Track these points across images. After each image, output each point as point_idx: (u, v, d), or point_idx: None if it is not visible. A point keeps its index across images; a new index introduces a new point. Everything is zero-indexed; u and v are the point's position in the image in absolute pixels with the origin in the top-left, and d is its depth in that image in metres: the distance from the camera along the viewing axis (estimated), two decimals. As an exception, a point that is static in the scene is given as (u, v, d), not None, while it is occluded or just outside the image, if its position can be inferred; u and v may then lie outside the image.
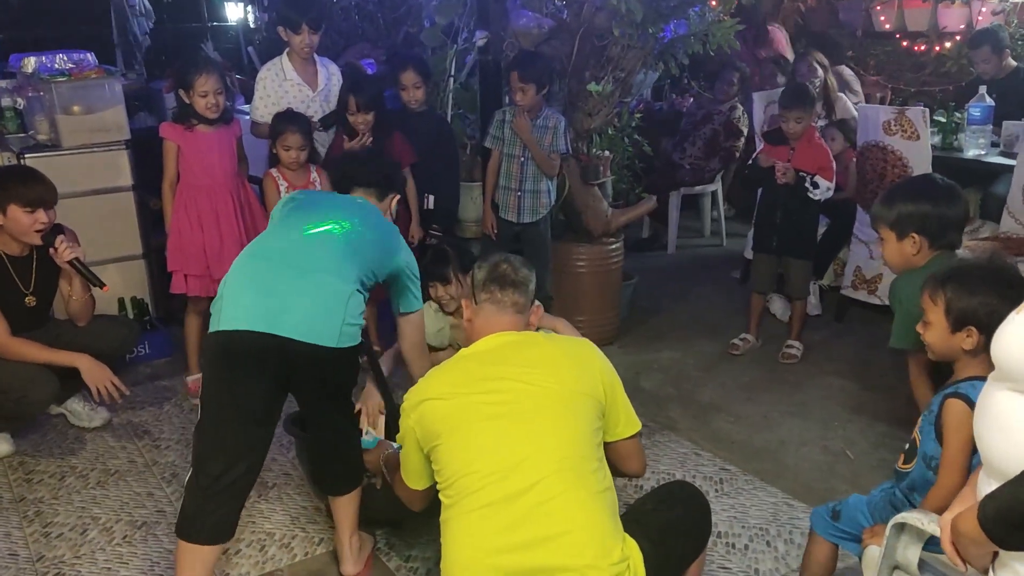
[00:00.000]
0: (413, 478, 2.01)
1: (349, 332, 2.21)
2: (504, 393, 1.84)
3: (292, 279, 2.18)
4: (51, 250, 3.08)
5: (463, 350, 2.02)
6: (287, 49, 3.78)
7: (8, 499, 2.98)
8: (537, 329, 2.11)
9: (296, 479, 3.05)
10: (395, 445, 2.38)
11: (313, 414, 2.40)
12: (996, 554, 1.36)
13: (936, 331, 1.89)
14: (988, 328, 1.78)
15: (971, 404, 1.75)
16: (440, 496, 1.87)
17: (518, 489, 1.75)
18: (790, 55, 5.81)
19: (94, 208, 3.95)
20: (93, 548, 2.71)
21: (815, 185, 3.73)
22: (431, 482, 1.94)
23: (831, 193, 3.80)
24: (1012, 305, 1.74)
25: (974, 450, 1.77)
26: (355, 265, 2.27)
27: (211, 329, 2.19)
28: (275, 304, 2.14)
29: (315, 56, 3.81)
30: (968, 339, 1.84)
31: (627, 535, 1.82)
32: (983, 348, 1.81)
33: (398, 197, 2.67)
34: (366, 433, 2.64)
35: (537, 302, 2.10)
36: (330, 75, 3.86)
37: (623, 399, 1.99)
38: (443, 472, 1.84)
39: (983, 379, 1.77)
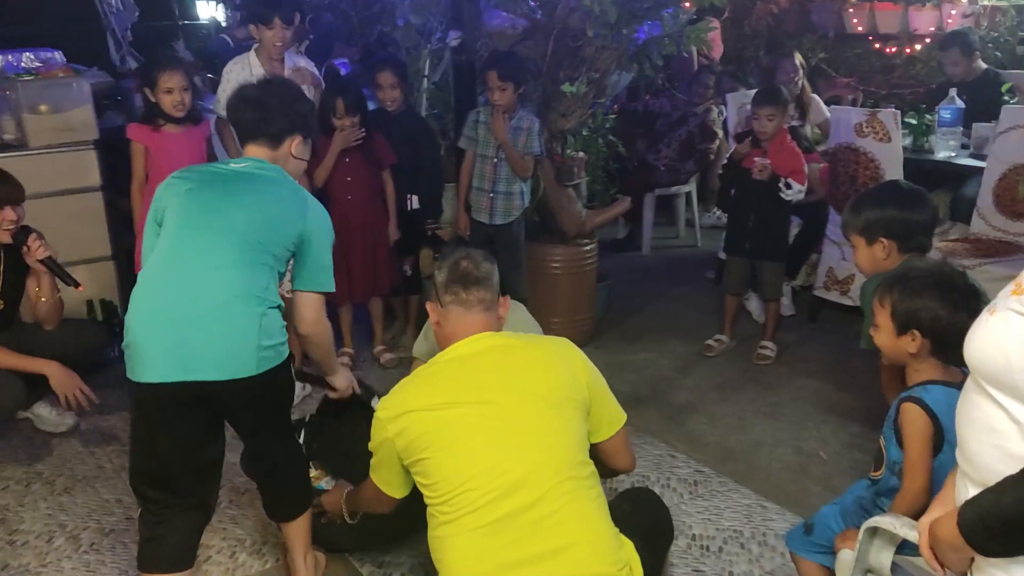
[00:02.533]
0: (391, 487, 1.97)
1: (268, 355, 2.07)
2: (495, 404, 1.81)
3: (196, 314, 2.02)
4: (24, 248, 3.03)
5: (439, 355, 1.96)
6: (255, 45, 3.71)
7: (-28, 507, 2.93)
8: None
9: (268, 484, 3.01)
10: (349, 486, 2.37)
11: (251, 444, 2.29)
12: (973, 558, 1.36)
13: (884, 334, 1.92)
14: (931, 332, 1.83)
15: (925, 407, 1.79)
16: (432, 510, 1.82)
17: (521, 505, 1.72)
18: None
19: (62, 208, 3.88)
20: (60, 556, 2.66)
21: (788, 186, 3.74)
22: (408, 491, 1.91)
23: (802, 196, 3.83)
24: (955, 310, 1.79)
25: (936, 452, 1.80)
26: (259, 271, 2.09)
27: (128, 376, 2.08)
28: (183, 347, 2.01)
29: (286, 54, 3.75)
30: (912, 342, 1.86)
31: (623, 536, 1.82)
32: (929, 352, 1.85)
33: (299, 138, 2.28)
34: (315, 480, 2.60)
35: (504, 295, 2.04)
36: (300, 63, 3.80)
37: (607, 394, 1.98)
38: (436, 487, 1.79)
39: (936, 383, 1.82)
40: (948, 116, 4.25)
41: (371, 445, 1.95)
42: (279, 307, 2.13)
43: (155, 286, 2.09)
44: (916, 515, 1.58)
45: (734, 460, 3.15)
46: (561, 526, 1.72)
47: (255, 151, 2.26)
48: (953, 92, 4.30)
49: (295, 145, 2.28)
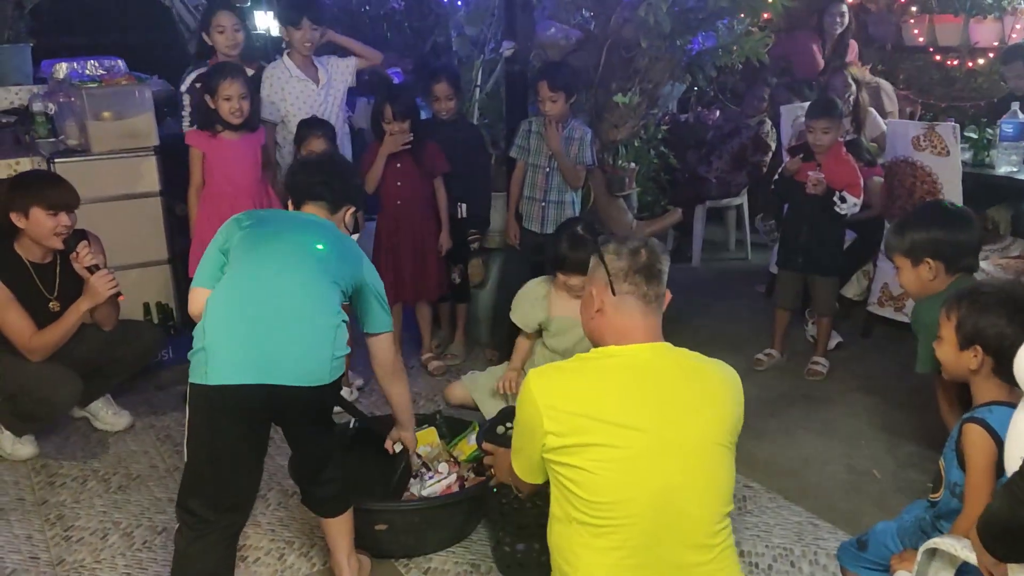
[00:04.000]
0: (530, 473, 1.82)
1: (338, 365, 2.18)
2: (673, 434, 1.67)
3: (277, 322, 2.11)
4: (73, 255, 3.10)
5: (609, 350, 1.77)
6: (287, 49, 3.83)
7: (31, 502, 3.00)
8: None
9: (316, 487, 3.04)
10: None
11: (297, 440, 2.33)
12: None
13: (946, 347, 1.90)
14: (995, 350, 1.80)
15: (988, 428, 1.75)
16: (574, 517, 1.69)
17: (677, 547, 1.66)
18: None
19: (122, 213, 3.97)
20: (113, 553, 2.71)
21: (843, 200, 3.68)
22: (544, 479, 1.79)
23: (858, 209, 3.76)
24: (1022, 330, 1.74)
25: (1000, 475, 1.75)
26: (332, 290, 2.20)
27: (197, 381, 2.10)
28: (265, 353, 2.08)
29: (317, 59, 3.86)
30: (974, 358, 1.83)
31: None
32: (992, 370, 1.82)
33: (353, 209, 2.47)
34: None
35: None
36: (330, 71, 3.89)
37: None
38: (592, 506, 1.66)
39: (1002, 404, 1.78)
40: (1010, 130, 4.13)
41: (518, 422, 1.80)
42: (346, 322, 2.23)
43: (234, 297, 2.16)
44: None
45: (784, 476, 3.09)
46: (707, 574, 1.69)
47: (313, 210, 2.40)
48: (1016, 106, 4.18)
49: (348, 215, 2.45)
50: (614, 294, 1.77)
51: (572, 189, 3.87)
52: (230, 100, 3.41)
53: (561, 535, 1.71)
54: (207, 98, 3.47)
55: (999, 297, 1.84)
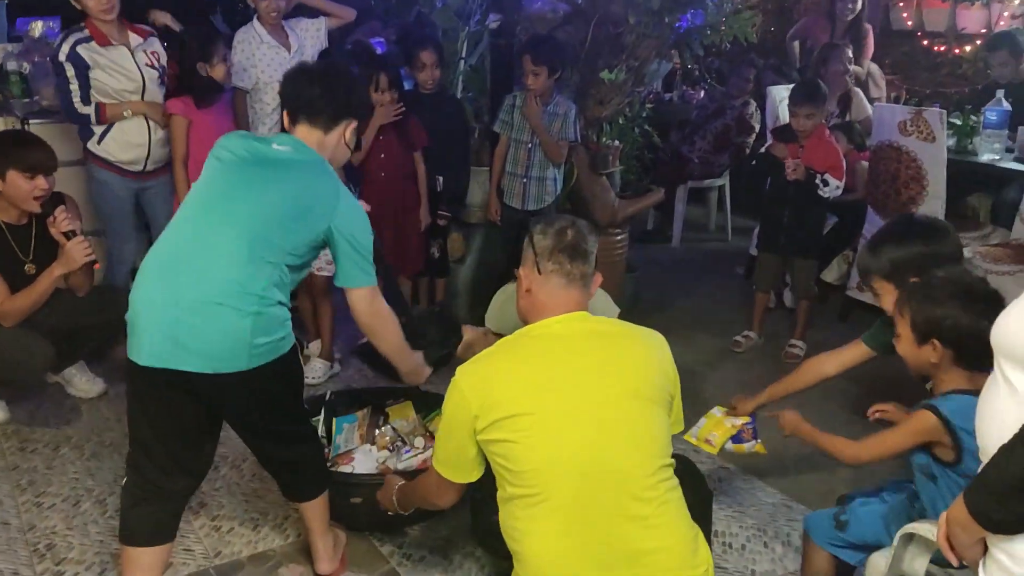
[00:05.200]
0: (461, 472, 1.83)
1: (263, 350, 2.01)
2: (591, 394, 1.71)
3: (191, 303, 1.97)
4: (49, 219, 3.04)
5: (529, 329, 1.83)
6: (256, 15, 3.74)
7: (1, 467, 2.96)
8: None
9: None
10: (400, 480, 2.26)
11: (239, 429, 2.20)
12: (985, 548, 1.37)
13: (905, 344, 1.90)
14: (953, 342, 1.80)
15: (939, 415, 1.79)
16: (512, 496, 1.72)
17: (614, 503, 1.67)
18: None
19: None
20: (86, 520, 2.69)
21: (824, 183, 3.69)
22: (480, 474, 1.81)
23: (840, 192, 3.77)
24: (978, 318, 1.75)
25: (956, 463, 1.80)
26: (264, 267, 2.01)
27: (129, 354, 2.04)
28: (174, 337, 1.97)
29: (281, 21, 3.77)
30: (934, 352, 1.84)
31: (698, 530, 1.78)
32: (952, 362, 1.82)
33: (355, 124, 2.25)
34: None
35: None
36: (301, 35, 3.81)
37: (679, 398, 1.90)
38: (523, 476, 1.69)
39: (963, 392, 1.80)
40: (994, 118, 4.15)
41: (444, 422, 1.82)
42: (280, 304, 2.05)
43: (159, 266, 2.05)
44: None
45: (759, 458, 3.10)
46: (652, 528, 1.68)
47: (305, 132, 2.19)
48: (1000, 94, 4.20)
49: (349, 130, 2.24)
50: (539, 273, 1.82)
51: (554, 165, 3.84)
52: (226, 63, 3.36)
53: (505, 517, 1.75)
54: (201, 66, 3.40)
55: (950, 289, 1.83)
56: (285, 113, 2.24)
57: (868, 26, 5.41)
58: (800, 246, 3.86)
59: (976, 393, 1.70)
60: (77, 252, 2.98)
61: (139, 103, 3.50)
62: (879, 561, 1.78)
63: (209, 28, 3.84)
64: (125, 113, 3.47)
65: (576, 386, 1.71)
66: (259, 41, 3.71)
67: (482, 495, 2.48)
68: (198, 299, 1.97)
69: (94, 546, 2.56)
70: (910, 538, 1.69)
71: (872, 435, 1.97)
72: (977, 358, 1.75)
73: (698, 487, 2.18)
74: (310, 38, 3.83)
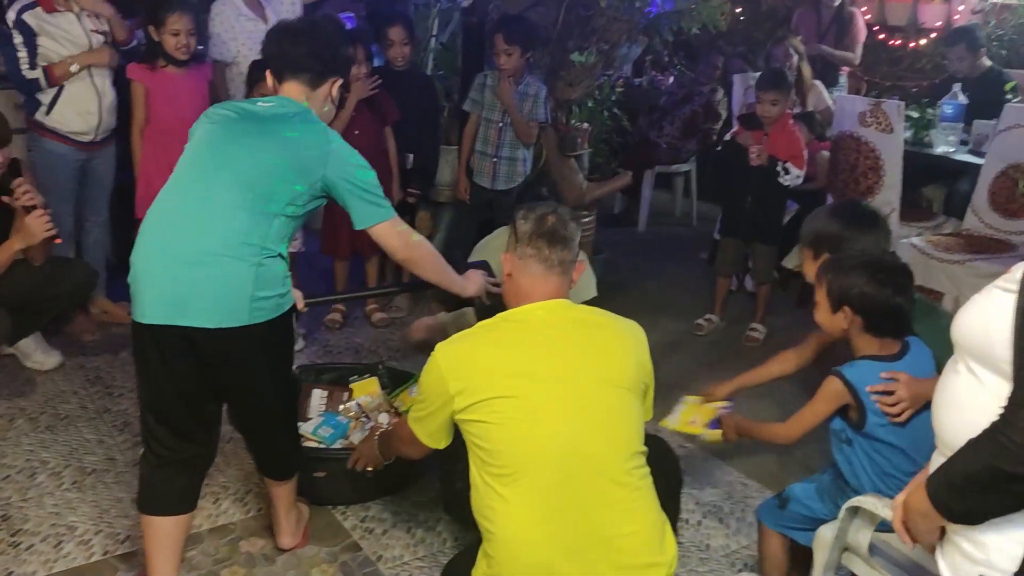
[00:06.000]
0: (434, 439, 1.87)
1: (263, 305, 2.02)
2: (570, 382, 1.74)
3: (191, 258, 1.98)
4: (9, 195, 2.96)
5: (510, 313, 1.85)
6: None
7: (-45, 438, 2.92)
8: None
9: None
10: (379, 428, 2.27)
11: (238, 401, 2.20)
12: (943, 533, 1.40)
13: (821, 311, 2.04)
14: (861, 308, 1.95)
15: (844, 381, 1.95)
16: (486, 475, 1.73)
17: (588, 488, 1.70)
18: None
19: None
20: (41, 492, 2.66)
21: (786, 171, 3.75)
22: (449, 442, 1.85)
23: (800, 181, 3.84)
24: (881, 286, 1.92)
25: (860, 427, 1.95)
26: (262, 217, 2.02)
27: (134, 316, 2.05)
28: (176, 292, 1.98)
29: None
30: (844, 319, 1.97)
31: (666, 522, 1.81)
32: (862, 328, 1.97)
33: (340, 81, 2.25)
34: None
35: (582, 256, 1.96)
36: (275, 6, 3.74)
37: (652, 388, 1.95)
38: (499, 456, 1.71)
39: (868, 358, 1.96)
40: (950, 111, 4.25)
41: (422, 392, 1.85)
42: (280, 256, 2.07)
43: (159, 225, 2.06)
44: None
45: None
46: (624, 513, 1.71)
47: (292, 89, 2.17)
48: (956, 88, 4.30)
49: (335, 88, 2.23)
50: (519, 258, 1.85)
51: (524, 145, 3.85)
52: (178, 35, 3.29)
53: (478, 496, 1.76)
54: (151, 30, 3.34)
55: (861, 261, 1.98)
56: (268, 73, 2.22)
57: (854, 11, 5.45)
58: (761, 232, 3.92)
59: (881, 358, 1.93)
60: (37, 227, 2.92)
61: (84, 54, 3.40)
62: (826, 533, 1.83)
63: None
64: (72, 68, 3.37)
65: (555, 372, 1.73)
66: (236, 13, 3.64)
67: (451, 466, 2.53)
68: (199, 251, 1.98)
69: (50, 518, 2.54)
70: (855, 511, 1.74)
71: (790, 421, 2.13)
72: (883, 325, 1.94)
73: (671, 472, 2.21)
74: (286, 10, 3.77)
